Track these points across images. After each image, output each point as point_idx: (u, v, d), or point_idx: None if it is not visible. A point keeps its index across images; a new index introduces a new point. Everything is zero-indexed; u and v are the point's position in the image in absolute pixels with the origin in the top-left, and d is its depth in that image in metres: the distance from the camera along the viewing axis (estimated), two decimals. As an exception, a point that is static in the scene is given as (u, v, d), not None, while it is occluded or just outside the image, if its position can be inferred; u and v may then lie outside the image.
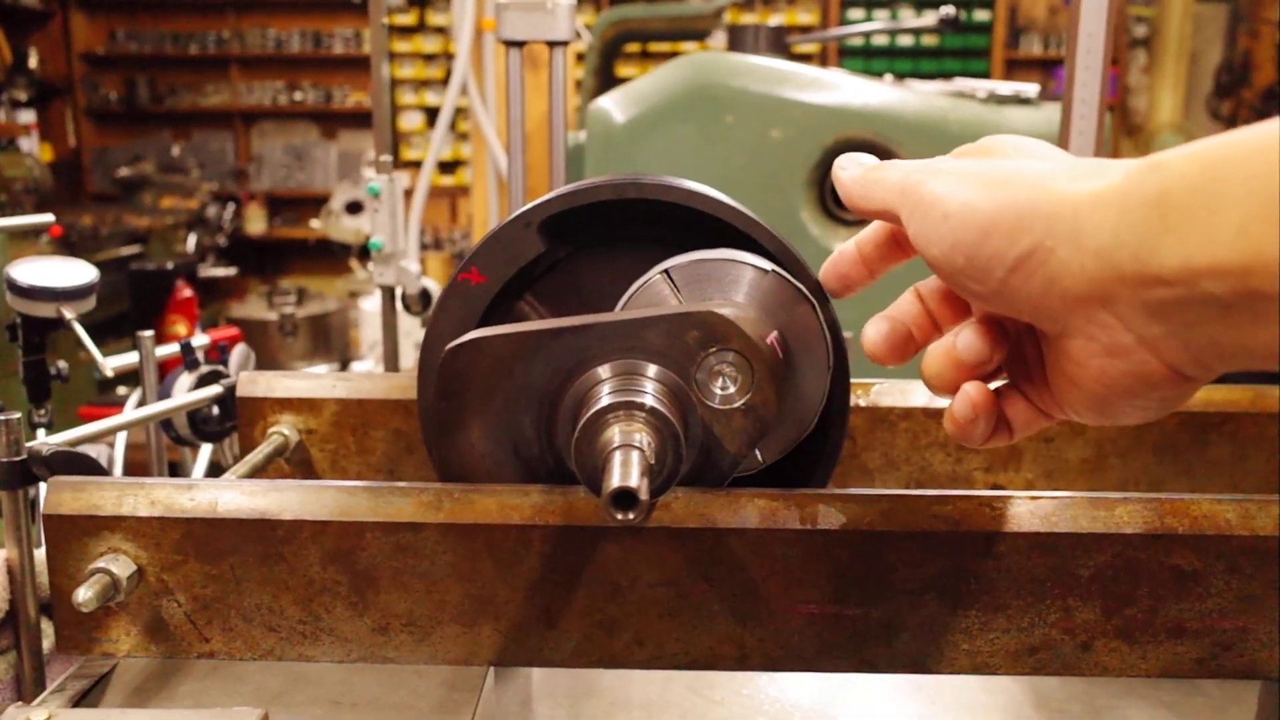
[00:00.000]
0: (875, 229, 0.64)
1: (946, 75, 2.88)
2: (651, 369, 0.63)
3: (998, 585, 0.65)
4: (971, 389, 0.58)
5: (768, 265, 0.67)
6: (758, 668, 0.67)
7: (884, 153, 2.09)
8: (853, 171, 0.61)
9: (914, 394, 0.96)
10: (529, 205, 0.70)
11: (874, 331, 0.62)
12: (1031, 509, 0.65)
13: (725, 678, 1.03)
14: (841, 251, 0.65)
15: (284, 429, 0.95)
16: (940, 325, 0.63)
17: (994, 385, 0.60)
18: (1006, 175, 0.51)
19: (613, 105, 2.12)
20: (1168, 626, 0.66)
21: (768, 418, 0.63)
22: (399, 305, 2.15)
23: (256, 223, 8.16)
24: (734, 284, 0.66)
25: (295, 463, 0.96)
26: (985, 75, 7.08)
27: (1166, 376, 0.49)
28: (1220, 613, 0.65)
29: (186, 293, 4.16)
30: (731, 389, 0.63)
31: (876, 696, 1.03)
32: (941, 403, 0.97)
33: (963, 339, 0.57)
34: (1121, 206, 0.46)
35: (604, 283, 0.73)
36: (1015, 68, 7.40)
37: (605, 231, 0.73)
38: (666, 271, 0.67)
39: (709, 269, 0.67)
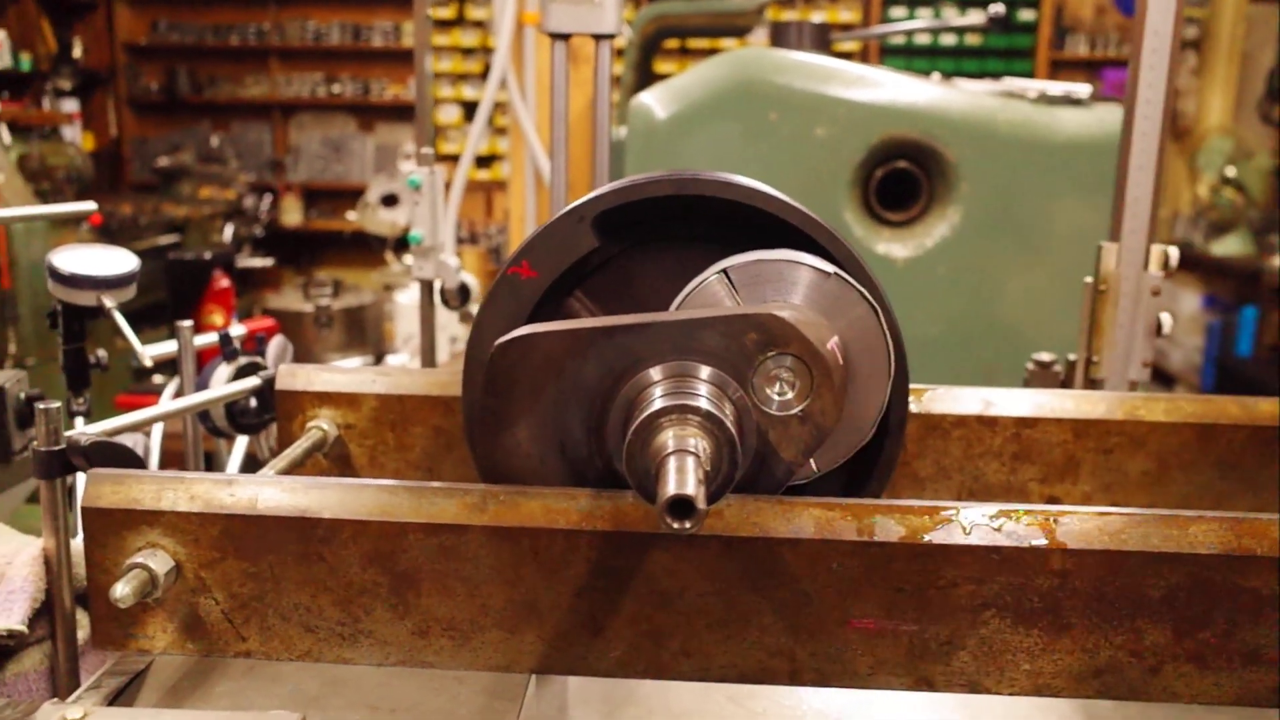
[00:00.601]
0: None
1: (990, 75, 2.84)
2: (707, 372, 0.60)
3: (1062, 604, 0.63)
4: None
5: (829, 267, 0.64)
6: (809, 683, 0.65)
7: (931, 152, 2.05)
8: None
9: (967, 400, 0.93)
10: (583, 199, 0.68)
11: None
12: (1100, 525, 0.62)
13: (767, 688, 1.00)
14: None
15: (323, 423, 0.94)
16: None
17: None
18: None
19: (654, 101, 2.10)
20: (1243, 652, 0.63)
21: (826, 425, 0.61)
22: (437, 299, 2.14)
23: (293, 214, 8.21)
24: (793, 286, 0.64)
25: (333, 458, 0.95)
26: (1029, 75, 6.98)
27: None
28: (1300, 640, 0.62)
29: (224, 283, 4.18)
30: (789, 395, 0.60)
31: (921, 710, 1.00)
32: (998, 411, 0.94)
33: None
34: None
35: (657, 280, 0.71)
36: (1060, 68, 7.28)
37: (659, 228, 0.70)
38: (724, 271, 0.64)
39: (768, 270, 0.64)
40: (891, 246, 2.08)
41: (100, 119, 8.10)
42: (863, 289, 0.64)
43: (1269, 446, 0.90)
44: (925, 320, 2.07)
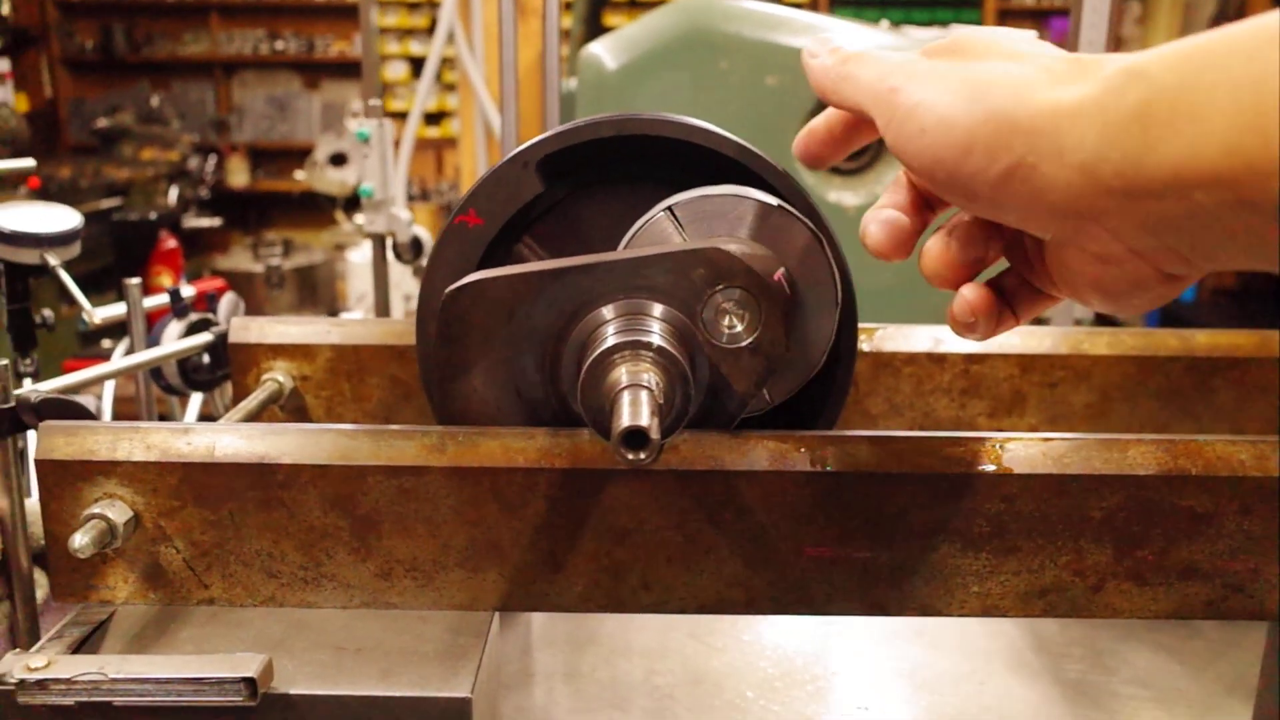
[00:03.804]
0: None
1: (940, 24, 2.84)
2: (657, 308, 0.61)
3: (1009, 527, 0.65)
4: (969, 292, 0.57)
5: (773, 201, 0.65)
6: (766, 611, 0.66)
7: (879, 99, 2.06)
8: (824, 60, 0.59)
9: (918, 338, 0.95)
10: (526, 144, 0.68)
11: (876, 229, 0.58)
12: (1044, 450, 0.64)
13: (726, 624, 1.03)
14: (812, 128, 0.63)
15: (278, 376, 0.94)
16: (934, 207, 0.60)
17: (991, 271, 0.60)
18: (983, 82, 0.49)
19: (604, 51, 2.08)
20: (1179, 568, 0.65)
21: (776, 356, 0.62)
22: (390, 254, 2.12)
23: (239, 175, 8.05)
24: (739, 220, 0.65)
25: (289, 410, 0.95)
26: (978, 24, 6.99)
27: (1161, 278, 0.49)
28: (1231, 554, 0.65)
29: (171, 244, 4.11)
30: (739, 327, 0.61)
31: (876, 642, 1.03)
32: (947, 348, 0.96)
33: (956, 237, 0.57)
34: (1103, 120, 0.44)
35: (605, 223, 0.71)
36: (1008, 17, 7.31)
37: (605, 170, 0.71)
38: (670, 208, 0.65)
39: (713, 205, 0.65)
40: (843, 194, 2.10)
41: (33, 79, 7.85)
42: (806, 219, 0.65)
43: (1204, 377, 0.93)
44: (878, 268, 2.08)
